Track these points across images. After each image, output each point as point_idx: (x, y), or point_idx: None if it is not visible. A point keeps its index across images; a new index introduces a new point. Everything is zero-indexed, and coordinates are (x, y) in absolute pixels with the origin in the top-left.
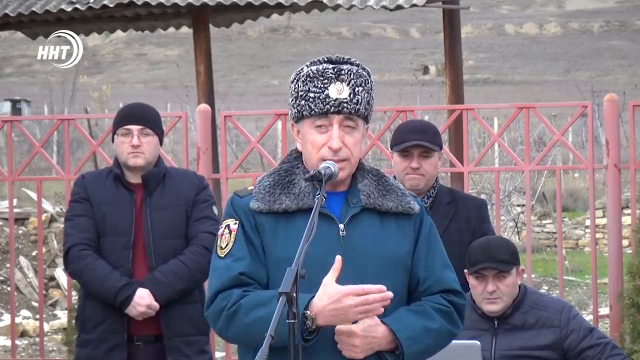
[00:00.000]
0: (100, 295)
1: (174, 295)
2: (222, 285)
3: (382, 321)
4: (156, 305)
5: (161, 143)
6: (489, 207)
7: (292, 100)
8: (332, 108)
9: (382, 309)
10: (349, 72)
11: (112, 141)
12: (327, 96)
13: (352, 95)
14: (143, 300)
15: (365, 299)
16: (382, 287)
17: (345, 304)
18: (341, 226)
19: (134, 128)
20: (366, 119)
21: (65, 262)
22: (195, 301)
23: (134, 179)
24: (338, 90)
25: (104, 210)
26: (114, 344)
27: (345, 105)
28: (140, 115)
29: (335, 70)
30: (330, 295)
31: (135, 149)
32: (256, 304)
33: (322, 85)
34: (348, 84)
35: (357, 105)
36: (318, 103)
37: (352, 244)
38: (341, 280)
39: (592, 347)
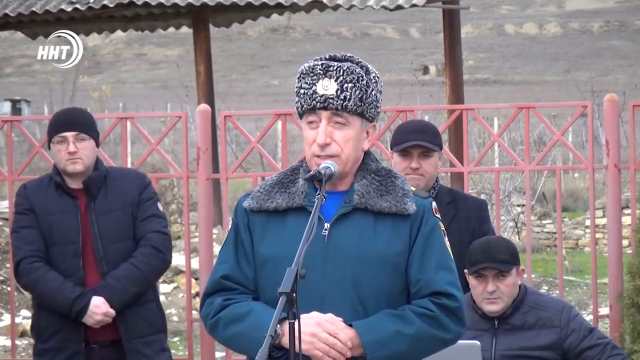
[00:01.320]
0: (54, 308)
1: (128, 299)
2: (207, 289)
3: (350, 325)
4: (112, 312)
5: (97, 145)
6: (489, 207)
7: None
8: (319, 104)
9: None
10: (338, 69)
11: (49, 149)
12: (315, 92)
13: (339, 92)
14: (99, 308)
15: (334, 344)
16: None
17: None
18: (326, 225)
19: (69, 135)
20: (363, 116)
21: (16, 275)
22: (149, 300)
23: (75, 184)
24: (324, 87)
25: (50, 219)
26: (72, 353)
27: (331, 101)
28: (73, 122)
29: (324, 66)
30: (305, 323)
31: (72, 155)
32: (232, 320)
33: (310, 82)
34: (336, 80)
35: (344, 101)
36: (307, 99)
37: (336, 244)
38: (321, 277)
39: (592, 348)
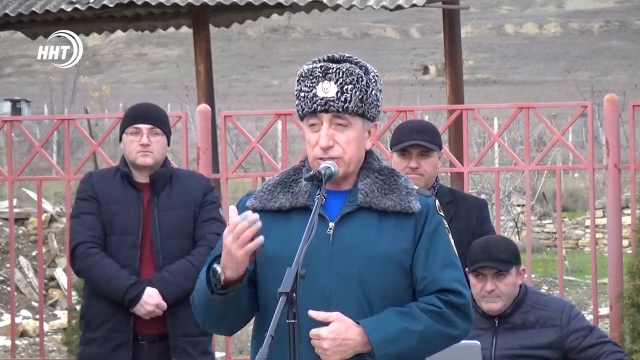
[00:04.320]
0: (108, 293)
1: (181, 295)
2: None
3: (357, 322)
4: (164, 304)
5: (169, 144)
6: (488, 207)
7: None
8: (319, 107)
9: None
10: (337, 71)
11: (120, 140)
12: (315, 95)
13: (339, 94)
14: (152, 299)
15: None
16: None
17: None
18: (331, 224)
19: (144, 127)
20: (364, 116)
21: (72, 259)
22: None
23: (141, 178)
24: (324, 89)
25: (112, 208)
26: (120, 342)
27: (331, 103)
28: (150, 115)
29: (323, 69)
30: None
31: (145, 147)
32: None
33: (310, 85)
34: (336, 82)
35: (345, 103)
36: (307, 102)
37: (341, 242)
38: (327, 276)
39: (593, 346)
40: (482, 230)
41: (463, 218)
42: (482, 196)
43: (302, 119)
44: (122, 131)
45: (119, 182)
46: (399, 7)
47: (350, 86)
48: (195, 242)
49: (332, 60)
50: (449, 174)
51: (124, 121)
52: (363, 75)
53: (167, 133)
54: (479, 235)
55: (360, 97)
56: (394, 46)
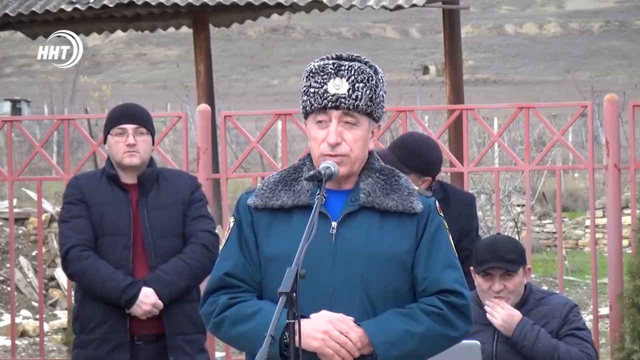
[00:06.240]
0: (103, 295)
1: (177, 293)
2: (210, 287)
3: (359, 324)
4: (161, 304)
5: (153, 143)
6: (488, 207)
7: (300, 97)
8: (330, 103)
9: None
10: (349, 68)
11: (104, 142)
12: (326, 91)
13: (350, 91)
14: (148, 299)
15: (345, 343)
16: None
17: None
18: (333, 224)
19: (129, 127)
20: (371, 116)
21: (64, 264)
22: (192, 300)
23: (128, 179)
24: (336, 86)
25: (101, 210)
26: (117, 344)
27: (343, 100)
28: (134, 115)
29: (335, 66)
30: (317, 321)
31: (131, 147)
32: (239, 319)
33: (321, 81)
34: (347, 80)
35: (356, 101)
36: (317, 98)
37: (344, 242)
38: (330, 276)
39: (571, 336)
40: (470, 226)
41: (454, 213)
42: (482, 196)
43: (307, 115)
44: (106, 132)
45: (105, 184)
46: (399, 7)
47: (361, 84)
48: (185, 240)
49: (340, 58)
50: (449, 174)
51: (108, 122)
52: (373, 74)
53: (152, 132)
54: (468, 230)
55: (370, 96)
56: (394, 46)
